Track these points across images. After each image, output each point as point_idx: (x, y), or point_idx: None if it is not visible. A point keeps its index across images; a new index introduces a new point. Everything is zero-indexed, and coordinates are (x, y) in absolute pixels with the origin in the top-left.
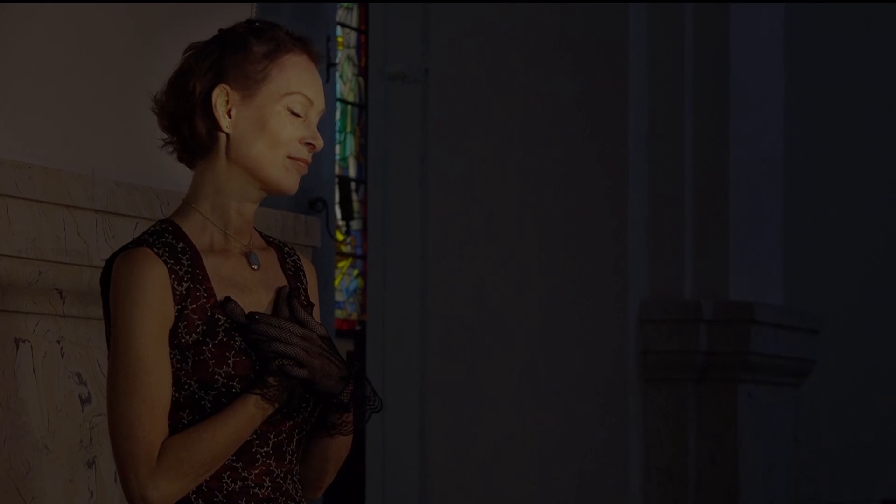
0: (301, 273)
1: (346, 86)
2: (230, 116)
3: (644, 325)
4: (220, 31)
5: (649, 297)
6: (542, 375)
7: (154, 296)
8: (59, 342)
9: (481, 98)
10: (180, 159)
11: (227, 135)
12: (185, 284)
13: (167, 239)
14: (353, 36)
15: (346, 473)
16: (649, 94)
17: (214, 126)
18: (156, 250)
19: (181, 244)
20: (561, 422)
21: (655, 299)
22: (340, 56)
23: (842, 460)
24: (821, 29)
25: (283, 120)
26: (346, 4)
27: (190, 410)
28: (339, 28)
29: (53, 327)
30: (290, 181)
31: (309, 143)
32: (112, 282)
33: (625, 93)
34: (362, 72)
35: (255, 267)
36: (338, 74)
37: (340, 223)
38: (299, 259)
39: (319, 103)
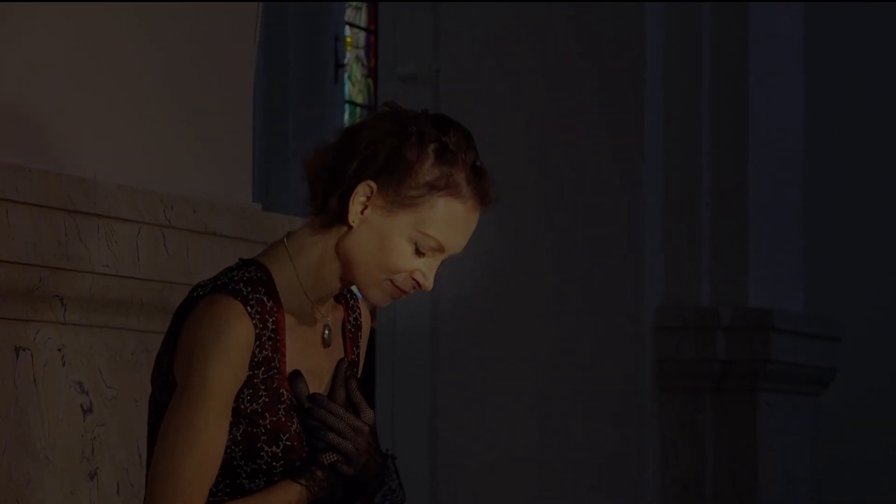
0: (359, 332)
1: (354, 87)
2: (362, 214)
3: (660, 333)
4: (423, 115)
5: (665, 303)
6: (555, 384)
7: (237, 356)
8: (60, 350)
9: (494, 100)
10: (307, 204)
11: (350, 226)
12: (264, 353)
13: (260, 294)
14: (361, 36)
15: None
16: (665, 95)
17: (344, 211)
18: (248, 309)
19: (271, 303)
20: (575, 431)
21: (672, 306)
22: (349, 57)
23: (864, 472)
24: (841, 28)
25: (404, 250)
26: (354, 4)
27: (223, 474)
28: (347, 28)
29: (54, 335)
30: (380, 299)
31: (416, 281)
32: (194, 324)
33: (640, 94)
34: (371, 73)
35: (328, 343)
36: (346, 76)
37: None
38: (360, 315)
39: (454, 250)
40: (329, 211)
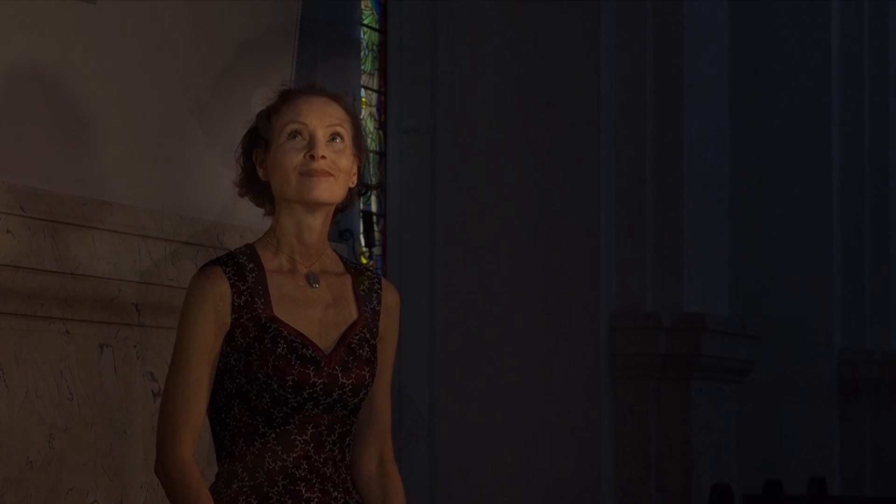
0: (375, 294)
1: (368, 137)
2: (263, 168)
3: (613, 333)
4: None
5: (617, 309)
6: (531, 375)
7: (210, 307)
8: (135, 347)
9: (479, 145)
10: (266, 213)
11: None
12: (243, 297)
13: (240, 259)
14: (374, 97)
15: None
16: (616, 127)
17: (260, 181)
18: (224, 268)
19: (251, 264)
20: (545, 413)
21: (623, 311)
22: (364, 113)
23: (775, 444)
24: (760, 34)
25: (286, 149)
26: (368, 71)
27: (239, 400)
28: (362, 90)
29: (131, 335)
30: (309, 193)
31: (311, 156)
32: (187, 291)
33: (597, 144)
34: (382, 126)
35: (315, 286)
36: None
37: (364, 250)
38: (379, 284)
39: (315, 123)
40: (262, 194)
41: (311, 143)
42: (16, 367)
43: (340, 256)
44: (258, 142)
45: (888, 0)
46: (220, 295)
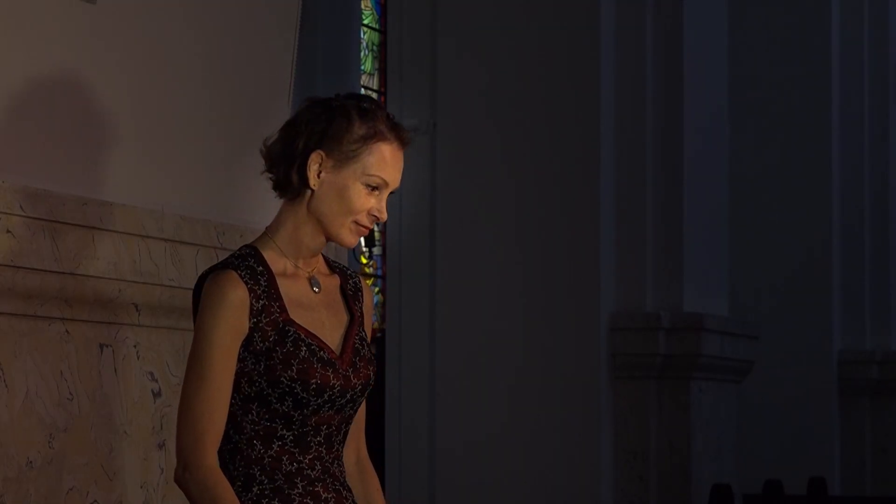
0: (360, 293)
1: None
2: (319, 177)
3: (613, 333)
4: (337, 96)
5: (618, 309)
6: (531, 375)
7: (231, 314)
8: (135, 347)
9: (478, 144)
10: (274, 188)
11: (313, 190)
12: (261, 302)
13: (250, 262)
14: (374, 97)
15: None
16: (616, 134)
17: (305, 180)
18: (240, 273)
19: (261, 268)
20: (546, 413)
21: (623, 311)
22: None
23: (775, 444)
24: (760, 34)
25: (360, 193)
26: (367, 71)
27: (258, 403)
28: (362, 90)
29: (131, 335)
30: (351, 240)
31: (374, 216)
32: (203, 298)
33: (597, 146)
34: None
35: (317, 290)
36: None
37: (364, 249)
38: (359, 281)
39: (394, 183)
40: (292, 184)
41: (380, 201)
42: (16, 367)
43: (324, 256)
44: (325, 146)
45: (888, 0)
46: (238, 300)
